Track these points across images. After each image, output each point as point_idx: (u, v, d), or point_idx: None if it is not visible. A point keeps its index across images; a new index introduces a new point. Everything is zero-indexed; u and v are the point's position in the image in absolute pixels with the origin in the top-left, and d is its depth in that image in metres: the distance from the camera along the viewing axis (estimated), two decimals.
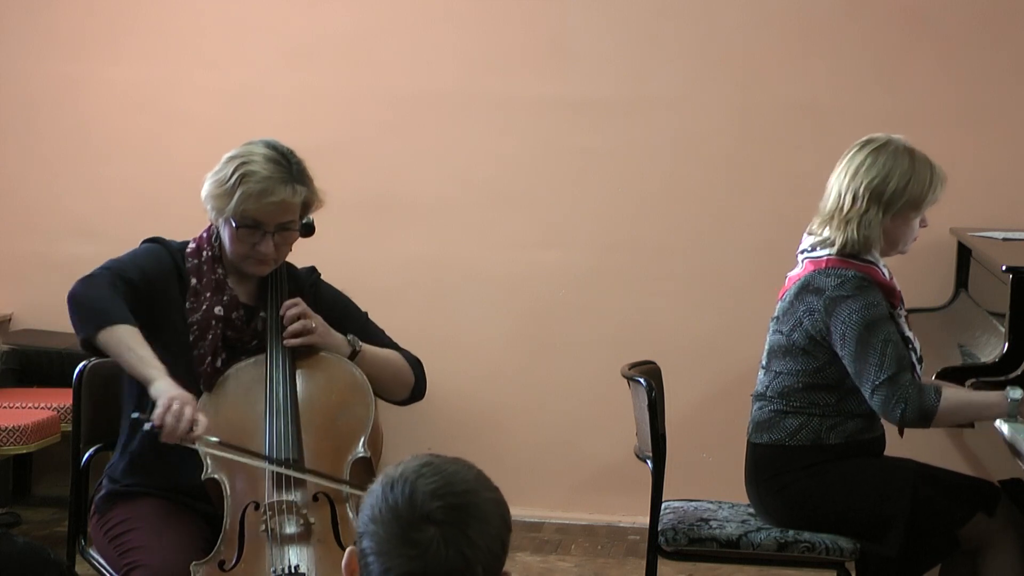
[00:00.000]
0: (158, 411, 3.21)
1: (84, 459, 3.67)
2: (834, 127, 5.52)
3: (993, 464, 4.12)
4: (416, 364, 3.65)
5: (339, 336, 3.51)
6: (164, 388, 3.24)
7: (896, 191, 3.76)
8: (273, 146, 3.48)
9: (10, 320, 5.96)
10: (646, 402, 3.83)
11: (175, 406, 3.21)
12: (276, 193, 3.40)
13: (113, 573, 3.42)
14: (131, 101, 5.92)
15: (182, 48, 5.91)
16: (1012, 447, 3.70)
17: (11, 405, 5.36)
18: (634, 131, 5.71)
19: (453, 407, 5.85)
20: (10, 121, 6.01)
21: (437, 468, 1.91)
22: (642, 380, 3.85)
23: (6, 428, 5.14)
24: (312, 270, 3.67)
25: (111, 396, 3.58)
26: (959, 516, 3.75)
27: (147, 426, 3.23)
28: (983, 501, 3.77)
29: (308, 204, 3.50)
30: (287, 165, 3.44)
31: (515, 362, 5.82)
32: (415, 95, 5.80)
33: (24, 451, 5.24)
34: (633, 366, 3.99)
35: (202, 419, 3.24)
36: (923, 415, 3.67)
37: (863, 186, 3.77)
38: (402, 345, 3.69)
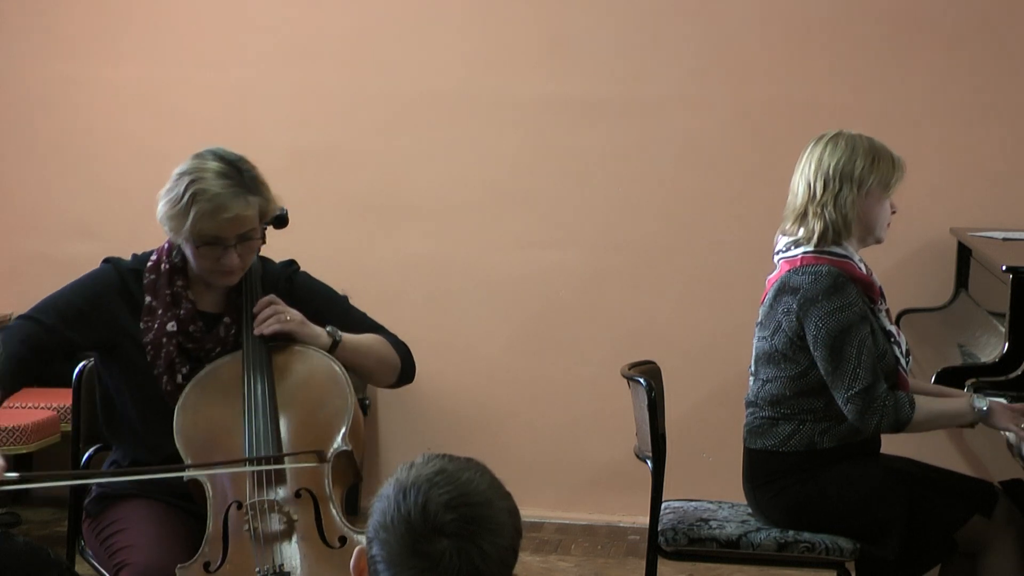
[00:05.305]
0: None
1: (84, 459, 3.68)
2: (834, 127, 5.50)
3: (993, 464, 4.12)
4: (401, 346, 3.59)
5: (317, 328, 3.46)
6: None
7: (864, 168, 3.76)
8: (222, 156, 3.40)
9: (10, 320, 5.94)
10: (646, 402, 3.83)
11: None
12: (230, 208, 3.33)
13: (106, 574, 3.41)
14: (131, 101, 5.92)
15: (182, 48, 5.91)
16: (1012, 447, 3.71)
17: (11, 405, 5.32)
18: (634, 131, 5.71)
19: (453, 407, 5.85)
20: (10, 121, 6.01)
21: (451, 476, 1.88)
22: (642, 380, 3.85)
23: (6, 428, 5.13)
24: (289, 263, 3.61)
25: None
26: (956, 518, 3.74)
27: None
28: (980, 503, 3.77)
29: (264, 212, 3.42)
30: (238, 176, 3.37)
31: (515, 362, 5.82)
32: (415, 95, 5.80)
33: (24, 451, 5.23)
34: (633, 366, 3.98)
35: None
36: (897, 426, 3.69)
37: (831, 168, 3.77)
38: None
